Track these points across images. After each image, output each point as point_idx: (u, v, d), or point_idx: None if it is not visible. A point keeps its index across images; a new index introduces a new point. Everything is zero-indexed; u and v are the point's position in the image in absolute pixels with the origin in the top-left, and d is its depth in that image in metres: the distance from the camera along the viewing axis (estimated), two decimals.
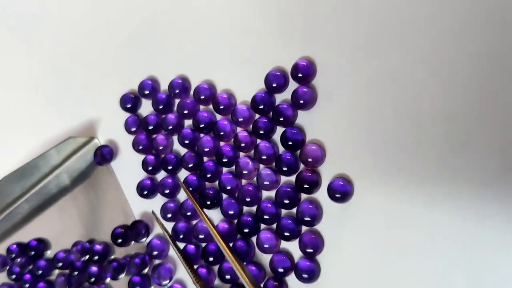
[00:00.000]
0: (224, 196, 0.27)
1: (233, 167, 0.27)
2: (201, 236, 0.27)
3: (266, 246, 0.25)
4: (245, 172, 0.26)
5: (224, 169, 0.27)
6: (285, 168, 0.25)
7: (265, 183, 0.26)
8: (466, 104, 0.22)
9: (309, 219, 0.24)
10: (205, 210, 0.27)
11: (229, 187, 0.27)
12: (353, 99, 0.24)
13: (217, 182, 0.27)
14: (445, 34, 0.22)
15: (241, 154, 0.27)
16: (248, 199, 0.26)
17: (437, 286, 0.22)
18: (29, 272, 0.33)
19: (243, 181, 0.27)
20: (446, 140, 0.22)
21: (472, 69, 0.22)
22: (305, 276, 0.24)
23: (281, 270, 0.25)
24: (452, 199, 0.22)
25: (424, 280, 0.22)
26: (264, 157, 0.26)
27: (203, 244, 0.27)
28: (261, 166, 0.26)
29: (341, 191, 0.24)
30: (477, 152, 0.21)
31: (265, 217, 0.25)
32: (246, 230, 0.26)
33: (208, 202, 0.27)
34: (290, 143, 0.25)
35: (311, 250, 0.24)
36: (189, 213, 0.28)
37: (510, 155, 0.21)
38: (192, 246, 0.28)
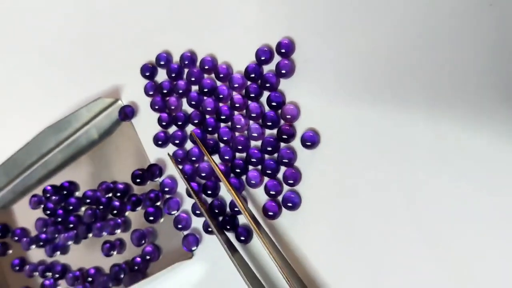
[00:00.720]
0: (222, 145, 0.34)
1: (229, 123, 0.34)
2: (203, 174, 0.34)
3: (253, 182, 0.33)
4: (238, 126, 0.34)
5: (222, 124, 0.35)
6: (269, 123, 0.33)
7: (254, 134, 0.33)
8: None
9: (287, 161, 0.32)
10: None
11: (225, 138, 0.34)
12: (324, 70, 0.32)
13: (216, 135, 0.35)
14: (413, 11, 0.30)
15: (236, 112, 0.34)
16: (240, 147, 0.33)
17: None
18: (61, 208, 0.40)
19: (237, 134, 0.34)
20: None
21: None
22: (289, 204, 0.32)
23: (272, 192, 0.32)
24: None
25: (399, 207, 0.29)
26: (253, 115, 0.33)
27: (203, 181, 0.35)
28: (251, 122, 0.34)
29: (311, 141, 0.31)
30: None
31: (253, 160, 0.33)
32: (238, 170, 0.33)
33: (209, 149, 0.34)
34: (273, 104, 0.33)
35: (292, 182, 0.32)
36: (194, 158, 0.35)
37: None
38: (195, 183, 0.35)
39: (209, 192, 0.34)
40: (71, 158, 0.41)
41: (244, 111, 0.34)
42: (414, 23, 0.29)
